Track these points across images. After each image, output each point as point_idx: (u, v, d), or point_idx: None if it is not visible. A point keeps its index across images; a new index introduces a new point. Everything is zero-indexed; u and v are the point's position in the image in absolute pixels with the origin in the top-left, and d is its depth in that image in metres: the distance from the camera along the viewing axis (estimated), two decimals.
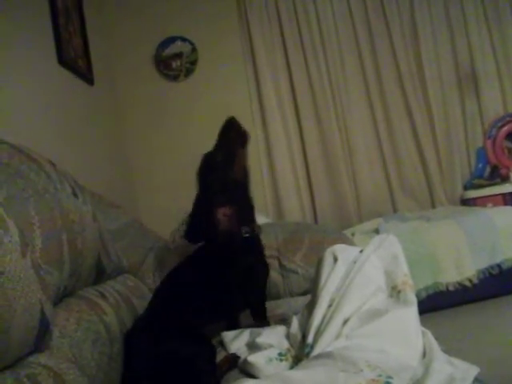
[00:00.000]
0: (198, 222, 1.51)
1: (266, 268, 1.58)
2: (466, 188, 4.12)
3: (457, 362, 1.06)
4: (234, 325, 1.49)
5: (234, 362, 1.25)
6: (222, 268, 1.44)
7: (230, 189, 1.46)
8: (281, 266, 2.08)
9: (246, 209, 1.50)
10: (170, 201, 3.92)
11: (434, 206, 4.06)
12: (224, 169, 1.48)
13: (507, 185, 3.89)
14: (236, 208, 1.44)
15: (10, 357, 0.83)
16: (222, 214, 1.41)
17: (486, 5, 4.16)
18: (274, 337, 1.29)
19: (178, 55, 4.10)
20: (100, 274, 1.43)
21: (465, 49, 4.17)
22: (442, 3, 4.17)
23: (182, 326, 1.30)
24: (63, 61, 2.76)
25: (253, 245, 1.52)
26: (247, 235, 1.48)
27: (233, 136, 1.51)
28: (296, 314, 1.36)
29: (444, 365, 1.03)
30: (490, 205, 3.72)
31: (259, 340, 1.27)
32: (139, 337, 1.27)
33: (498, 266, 2.95)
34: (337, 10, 4.13)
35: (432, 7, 4.16)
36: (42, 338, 0.92)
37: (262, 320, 1.50)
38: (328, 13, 4.11)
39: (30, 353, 0.91)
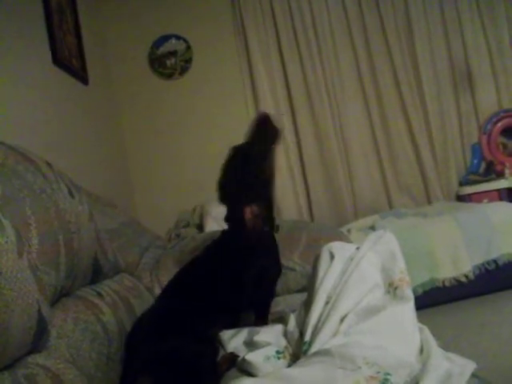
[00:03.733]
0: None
1: (279, 268, 1.57)
2: (461, 184, 4.13)
3: (454, 357, 1.07)
4: (233, 324, 1.48)
5: (233, 361, 1.25)
6: (236, 266, 1.43)
7: (261, 186, 1.45)
8: None
9: (269, 207, 1.49)
10: (166, 199, 3.93)
11: (429, 203, 4.07)
12: (258, 164, 1.46)
13: (502, 180, 3.90)
14: (263, 206, 1.43)
15: (7, 357, 0.83)
16: (250, 212, 1.40)
17: (480, 2, 4.16)
18: (271, 335, 1.29)
19: (173, 53, 4.10)
20: (97, 274, 1.43)
21: (459, 46, 4.18)
22: (436, 1, 4.17)
23: (187, 324, 1.30)
24: (57, 60, 2.75)
25: (270, 244, 1.51)
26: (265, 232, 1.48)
27: (268, 132, 1.49)
28: (293, 311, 1.36)
29: (441, 360, 1.03)
30: (485, 200, 3.74)
31: (257, 338, 1.27)
32: (143, 335, 1.27)
33: (494, 261, 2.95)
34: (331, 8, 4.13)
35: (427, 5, 4.16)
36: (39, 338, 0.92)
37: (263, 321, 1.49)
38: (323, 11, 4.11)
39: (28, 353, 0.91)
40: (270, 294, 1.57)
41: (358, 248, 1.29)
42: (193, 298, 1.40)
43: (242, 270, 1.44)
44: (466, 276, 2.92)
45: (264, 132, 1.49)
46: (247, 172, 1.45)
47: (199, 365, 1.22)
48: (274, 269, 1.54)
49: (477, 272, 2.94)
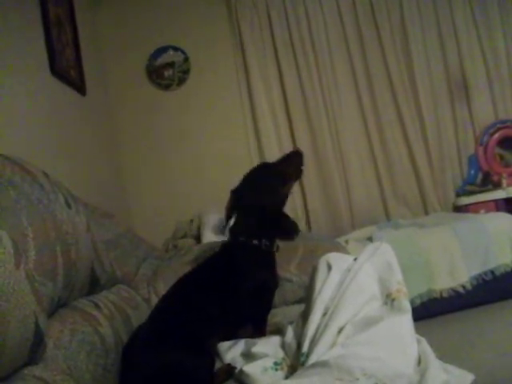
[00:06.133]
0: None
1: (276, 283, 1.59)
2: (458, 195, 4.13)
3: (452, 368, 1.07)
4: (231, 335, 1.47)
5: (230, 373, 1.24)
6: (234, 278, 1.46)
7: (276, 200, 1.60)
8: None
9: (276, 223, 1.61)
10: (163, 210, 3.92)
11: (426, 213, 4.07)
12: (278, 181, 1.61)
13: (499, 191, 3.90)
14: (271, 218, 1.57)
15: (4, 369, 0.82)
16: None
17: (476, 12, 4.19)
18: (269, 346, 1.28)
19: (170, 64, 4.11)
20: (94, 285, 1.42)
21: (455, 56, 4.20)
22: (432, 11, 4.20)
23: (184, 335, 1.29)
24: (56, 71, 2.76)
25: (268, 259, 1.56)
26: (265, 248, 1.53)
27: (296, 164, 1.66)
28: (291, 322, 1.36)
29: (439, 372, 1.03)
30: (482, 211, 3.73)
31: (254, 349, 1.27)
32: (140, 347, 1.26)
33: (491, 271, 2.95)
34: (328, 18, 4.15)
35: (422, 15, 4.19)
36: (36, 350, 0.92)
37: (260, 333, 1.48)
38: (319, 21, 4.13)
39: (25, 365, 0.90)
40: (268, 307, 1.57)
41: (355, 259, 1.30)
42: (190, 308, 1.40)
43: (241, 282, 1.45)
44: (464, 286, 2.92)
45: (294, 161, 1.67)
46: (271, 184, 1.61)
47: (196, 377, 1.22)
48: (272, 282, 1.56)
49: (474, 282, 2.93)
